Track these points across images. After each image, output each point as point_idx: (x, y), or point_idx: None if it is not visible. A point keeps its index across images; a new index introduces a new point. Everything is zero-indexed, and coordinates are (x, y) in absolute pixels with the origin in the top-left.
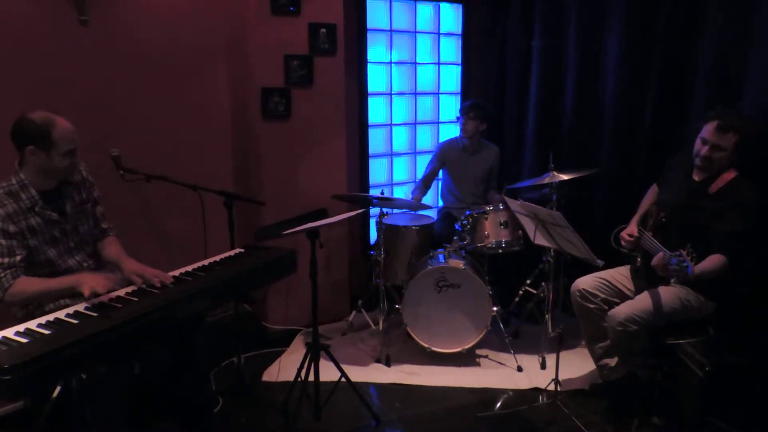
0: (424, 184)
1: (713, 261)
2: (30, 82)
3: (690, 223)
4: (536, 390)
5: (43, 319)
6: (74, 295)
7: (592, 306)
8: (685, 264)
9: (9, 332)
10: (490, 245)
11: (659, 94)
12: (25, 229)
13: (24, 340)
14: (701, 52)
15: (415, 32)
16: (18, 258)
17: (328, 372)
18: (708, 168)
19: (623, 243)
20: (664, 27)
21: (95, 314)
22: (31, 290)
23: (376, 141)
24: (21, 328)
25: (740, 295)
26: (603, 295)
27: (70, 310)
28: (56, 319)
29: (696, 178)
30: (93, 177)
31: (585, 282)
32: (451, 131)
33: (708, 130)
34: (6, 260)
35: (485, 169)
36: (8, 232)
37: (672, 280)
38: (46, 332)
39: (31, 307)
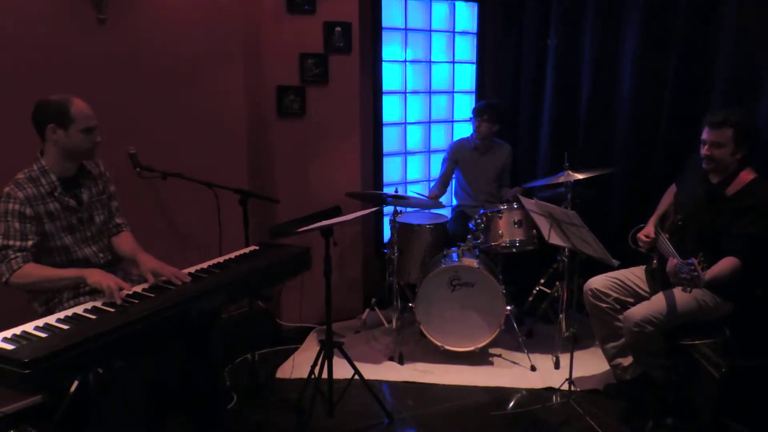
0: (442, 184)
1: (726, 264)
2: (48, 78)
3: (706, 226)
4: (550, 389)
5: (61, 315)
6: (93, 291)
7: (604, 306)
8: (695, 273)
9: (28, 327)
10: (504, 244)
11: (676, 93)
12: (42, 214)
13: (43, 335)
14: (719, 50)
15: (430, 31)
16: (30, 243)
17: (341, 370)
18: (715, 168)
19: (640, 244)
20: (681, 26)
21: (112, 310)
22: (37, 275)
23: (390, 139)
24: (40, 323)
25: (758, 295)
26: (615, 295)
27: (88, 305)
28: (74, 314)
29: (713, 180)
30: (109, 173)
31: (597, 281)
32: (465, 130)
33: (705, 131)
34: (18, 243)
35: (498, 168)
36: (24, 216)
37: (683, 289)
38: (65, 327)
39: (52, 303)
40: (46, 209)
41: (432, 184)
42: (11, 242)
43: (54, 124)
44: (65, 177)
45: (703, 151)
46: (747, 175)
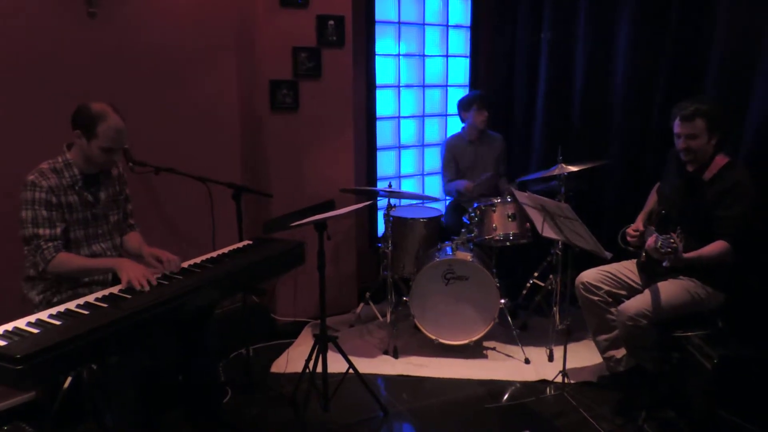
0: (450, 172)
1: (714, 246)
2: (39, 74)
3: (687, 211)
4: (544, 382)
5: (54, 310)
6: (90, 284)
7: (596, 298)
8: (674, 245)
9: (20, 323)
10: (497, 238)
11: (669, 86)
12: (63, 204)
13: (35, 331)
14: (712, 45)
15: (424, 24)
16: (58, 230)
17: (336, 364)
18: (694, 159)
19: (629, 239)
20: (674, 20)
21: (105, 305)
22: (72, 266)
23: (383, 133)
24: (32, 318)
25: (751, 285)
26: (607, 288)
27: (81, 301)
28: (67, 310)
29: (689, 168)
30: (126, 175)
31: (589, 275)
32: (459, 123)
33: (676, 125)
34: (48, 232)
35: (494, 159)
36: (51, 203)
37: (664, 263)
38: (57, 323)
39: (49, 293)
40: (66, 200)
41: (427, 179)
42: (41, 231)
43: (80, 131)
44: (87, 173)
45: (680, 144)
46: (721, 160)
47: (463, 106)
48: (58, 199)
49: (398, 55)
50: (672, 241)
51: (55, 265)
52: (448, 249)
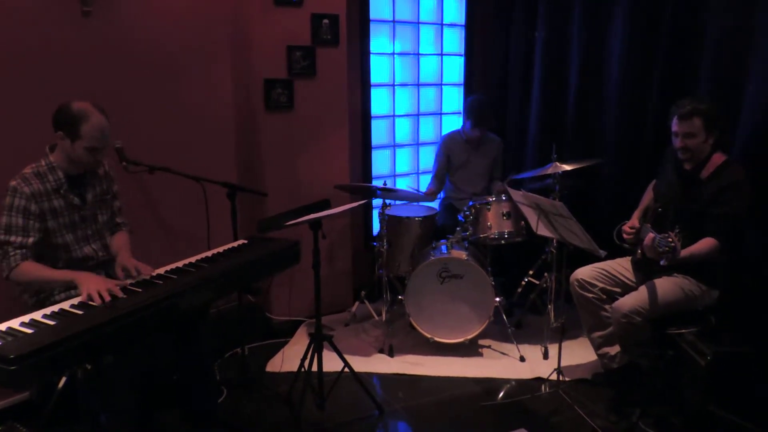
0: (439, 180)
1: (703, 243)
2: (32, 72)
3: (684, 210)
4: (539, 380)
5: (48, 310)
6: None
7: (590, 295)
8: (672, 244)
9: (14, 323)
10: (492, 236)
11: (664, 83)
12: (46, 210)
13: (29, 331)
14: (706, 42)
15: (418, 23)
16: (30, 240)
17: (331, 362)
18: (691, 157)
19: (625, 236)
20: (668, 17)
21: (100, 305)
22: (33, 275)
23: (378, 132)
24: (26, 318)
25: (743, 283)
26: (601, 285)
27: (75, 301)
28: (61, 310)
29: (687, 167)
30: (113, 172)
31: (583, 272)
32: (454, 122)
33: (674, 123)
34: (19, 240)
35: (489, 161)
36: (29, 212)
37: (662, 262)
38: (51, 323)
39: (42, 295)
40: (50, 206)
41: (422, 178)
42: (12, 238)
43: (63, 132)
44: (72, 174)
45: (678, 143)
46: (719, 158)
47: (465, 113)
48: (39, 206)
49: (393, 53)
50: (670, 240)
51: (18, 274)
52: (443, 247)
